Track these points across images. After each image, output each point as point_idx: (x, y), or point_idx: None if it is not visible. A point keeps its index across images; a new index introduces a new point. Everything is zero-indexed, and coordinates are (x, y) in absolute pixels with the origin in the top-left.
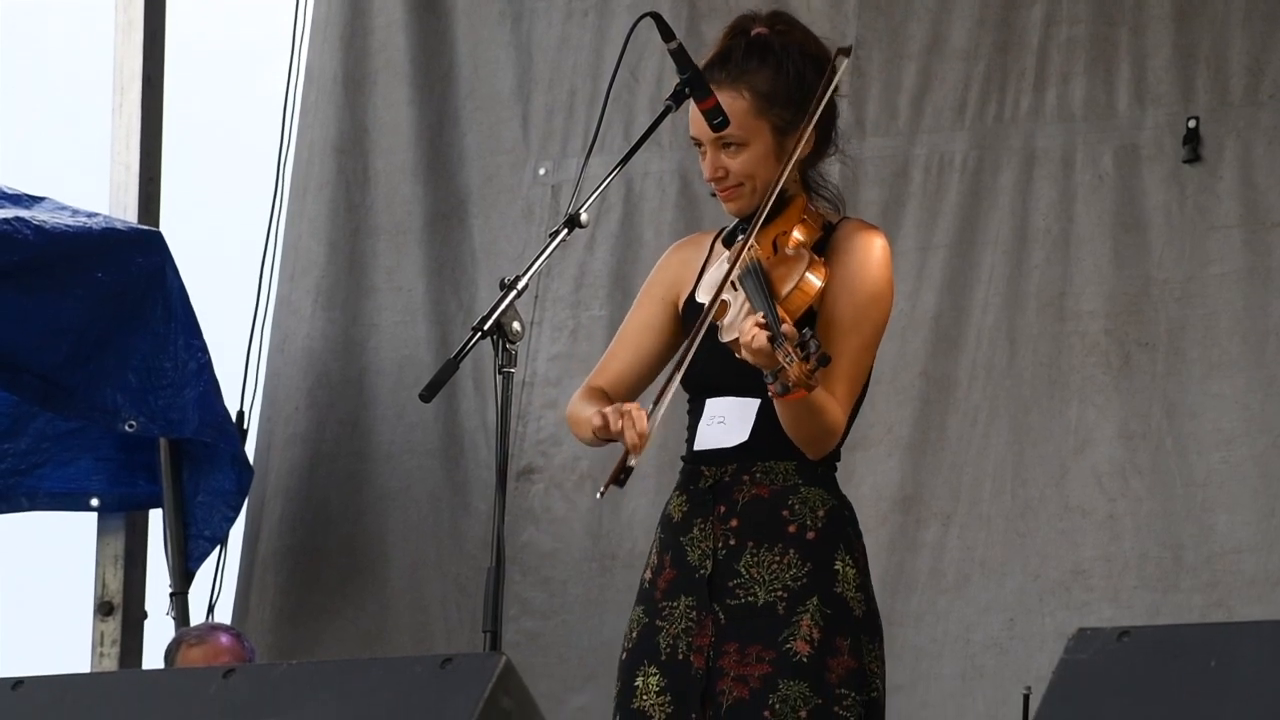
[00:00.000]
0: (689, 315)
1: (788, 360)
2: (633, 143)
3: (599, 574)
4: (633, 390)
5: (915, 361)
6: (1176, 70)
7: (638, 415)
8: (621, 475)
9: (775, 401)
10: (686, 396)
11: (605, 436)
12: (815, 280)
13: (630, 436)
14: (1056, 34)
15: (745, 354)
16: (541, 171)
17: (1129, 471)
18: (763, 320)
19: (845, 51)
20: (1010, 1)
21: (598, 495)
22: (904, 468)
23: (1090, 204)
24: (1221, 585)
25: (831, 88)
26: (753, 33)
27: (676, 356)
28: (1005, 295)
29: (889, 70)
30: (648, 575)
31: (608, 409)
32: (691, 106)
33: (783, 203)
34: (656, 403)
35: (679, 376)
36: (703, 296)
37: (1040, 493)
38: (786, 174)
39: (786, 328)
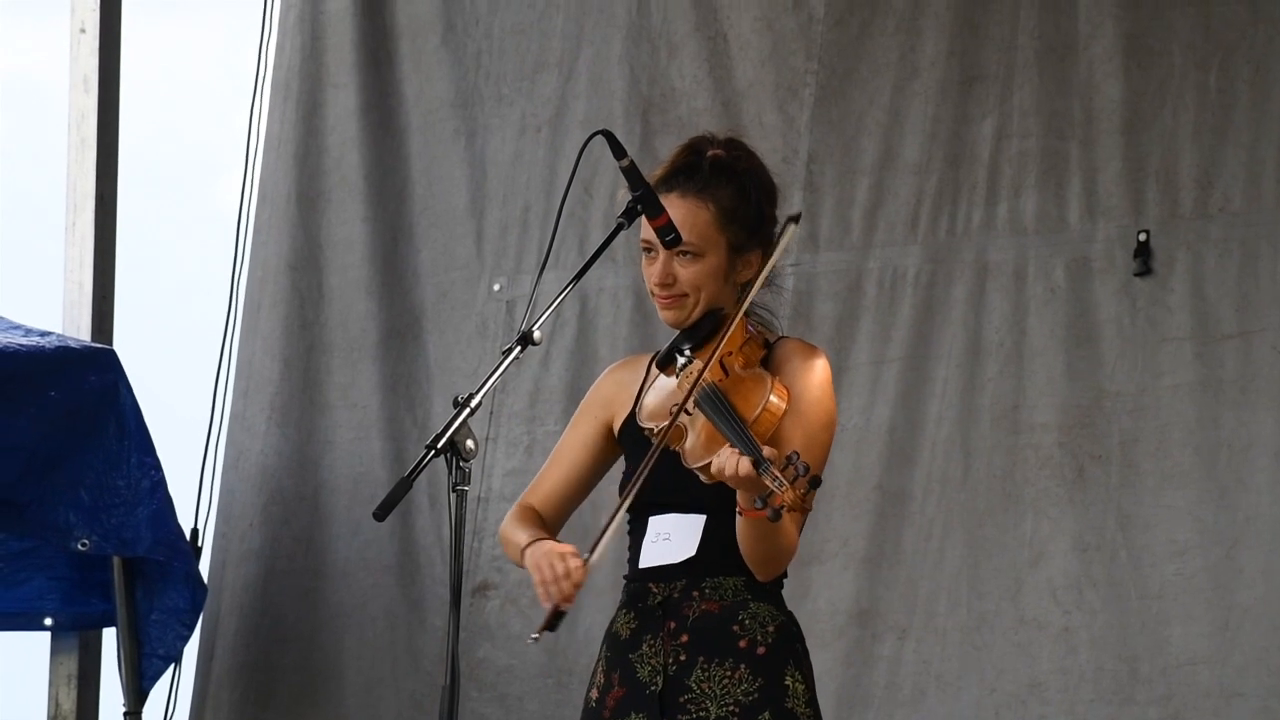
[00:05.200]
0: (628, 437)
1: (777, 485)
2: (587, 258)
3: (555, 690)
4: (564, 508)
5: (870, 475)
6: (1127, 183)
7: (574, 569)
8: (554, 621)
9: (742, 524)
10: (627, 517)
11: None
12: (779, 402)
13: (565, 589)
14: (1007, 148)
15: (729, 483)
16: (496, 287)
17: (1084, 584)
18: (740, 451)
19: (795, 219)
20: (961, 115)
21: (528, 641)
22: (859, 581)
23: (1042, 317)
24: (1177, 698)
25: (782, 247)
26: (709, 154)
27: (629, 488)
28: (959, 408)
29: (842, 185)
30: (594, 694)
31: (542, 562)
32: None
33: (719, 321)
34: (595, 545)
35: (624, 507)
36: (647, 421)
37: (996, 606)
38: (747, 304)
39: (769, 451)
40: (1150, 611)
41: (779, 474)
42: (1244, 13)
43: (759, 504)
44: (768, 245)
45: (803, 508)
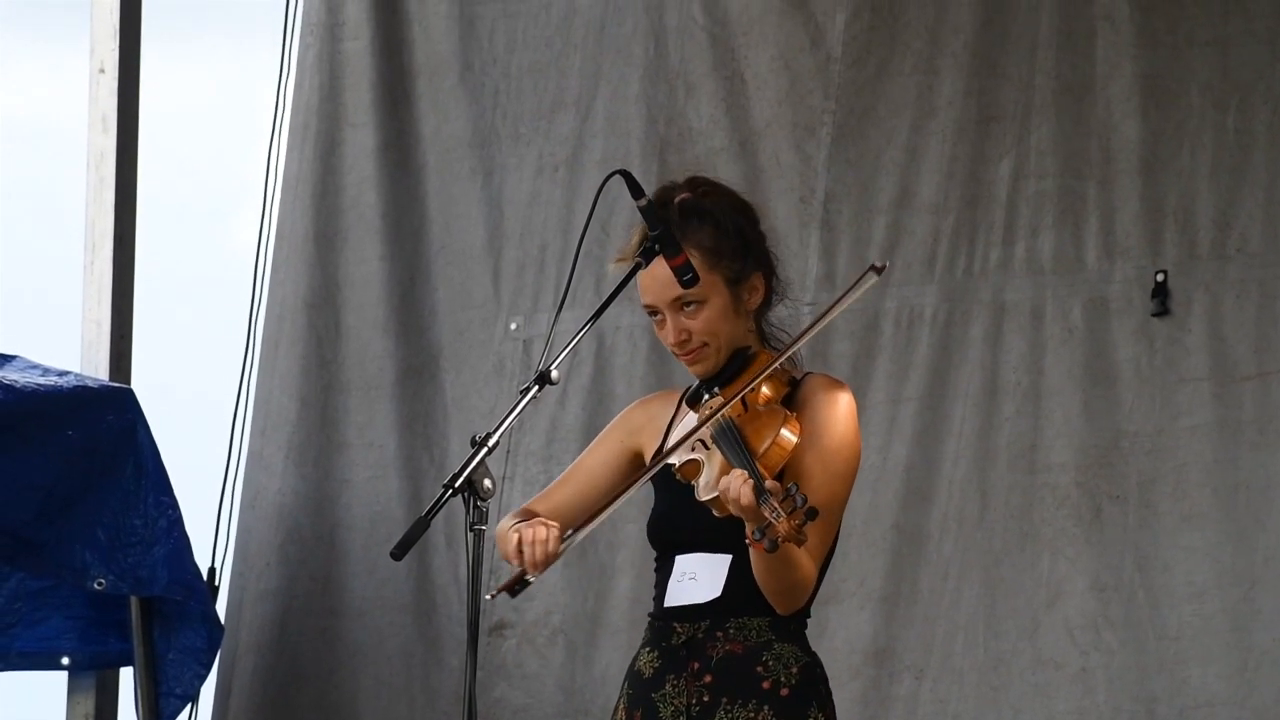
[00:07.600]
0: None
1: (775, 515)
2: (604, 297)
3: None
4: (569, 522)
5: (887, 514)
6: (1144, 224)
7: (551, 537)
8: (516, 586)
9: (753, 554)
10: (654, 554)
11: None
12: (791, 436)
13: (538, 554)
14: (1025, 187)
15: (732, 510)
16: (513, 326)
17: (1101, 624)
18: (748, 476)
19: (878, 270)
20: (978, 155)
21: (487, 597)
22: (876, 621)
23: (1060, 357)
24: None
25: (858, 294)
26: (677, 200)
27: (614, 491)
28: (976, 448)
29: (859, 224)
30: None
31: (524, 526)
32: (642, 275)
33: (747, 360)
34: (577, 529)
35: (610, 510)
36: (672, 455)
37: (1013, 646)
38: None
39: (771, 483)
40: (1168, 652)
41: (777, 505)
42: (1262, 53)
43: (757, 535)
44: (765, 263)
45: (797, 540)
